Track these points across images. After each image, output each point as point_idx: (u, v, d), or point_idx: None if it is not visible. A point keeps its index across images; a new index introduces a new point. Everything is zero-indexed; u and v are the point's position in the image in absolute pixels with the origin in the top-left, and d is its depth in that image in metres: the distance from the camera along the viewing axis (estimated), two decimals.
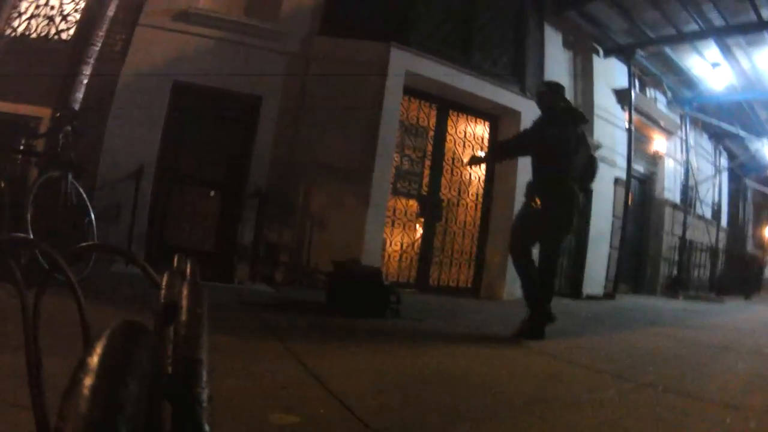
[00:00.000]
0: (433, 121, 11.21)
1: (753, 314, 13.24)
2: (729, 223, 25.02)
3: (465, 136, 11.65)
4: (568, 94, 14.28)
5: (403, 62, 10.12)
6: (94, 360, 0.65)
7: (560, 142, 7.09)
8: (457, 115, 11.56)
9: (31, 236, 5.71)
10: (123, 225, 8.91)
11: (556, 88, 7.72)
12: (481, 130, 11.87)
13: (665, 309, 12.87)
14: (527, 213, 7.16)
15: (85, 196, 7.05)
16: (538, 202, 6.98)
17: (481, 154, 10.28)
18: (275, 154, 9.77)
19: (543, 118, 7.51)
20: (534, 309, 6.83)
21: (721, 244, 22.79)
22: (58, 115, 7.35)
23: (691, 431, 3.50)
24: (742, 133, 20.79)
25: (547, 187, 7.05)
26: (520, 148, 7.95)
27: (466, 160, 10.11)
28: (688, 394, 4.42)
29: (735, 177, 25.69)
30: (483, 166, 11.42)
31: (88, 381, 0.61)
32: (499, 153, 8.87)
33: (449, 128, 11.49)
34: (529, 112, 11.46)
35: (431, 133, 11.16)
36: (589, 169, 7.46)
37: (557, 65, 13.58)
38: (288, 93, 9.88)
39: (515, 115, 11.48)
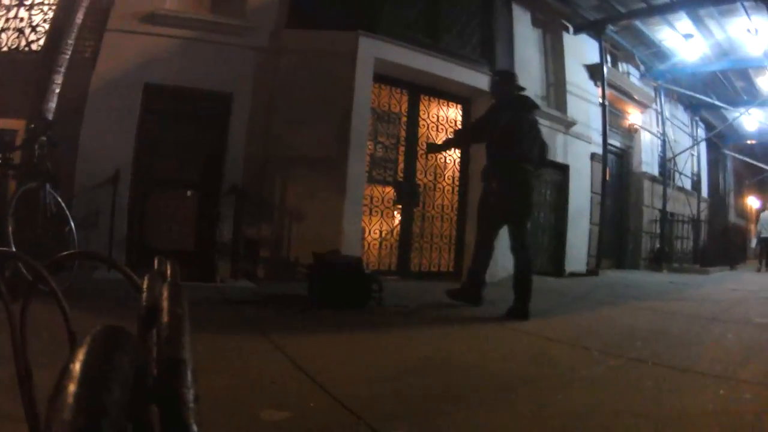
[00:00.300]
0: (404, 106, 11.21)
1: (739, 284, 13.23)
2: (710, 193, 25.11)
3: (438, 119, 11.65)
4: (540, 72, 14.46)
5: (371, 50, 10.12)
6: (77, 366, 0.65)
7: (514, 127, 7.51)
8: (429, 100, 11.57)
9: (13, 249, 5.73)
10: (103, 231, 8.86)
11: (509, 77, 8.31)
12: (453, 113, 11.89)
13: (649, 283, 12.93)
14: (487, 198, 7.58)
15: (63, 205, 7.03)
16: (495, 186, 7.43)
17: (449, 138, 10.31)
18: (249, 149, 9.74)
19: (496, 105, 8.00)
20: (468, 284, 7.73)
21: (703, 215, 22.85)
22: (32, 126, 7.29)
23: (685, 405, 3.47)
24: (718, 103, 20.86)
25: (503, 172, 7.49)
26: (477, 134, 8.26)
27: (425, 148, 10.30)
28: (678, 368, 4.43)
29: (714, 147, 25.81)
30: (457, 151, 11.48)
31: (71, 388, 0.61)
32: (455, 141, 9.35)
33: (421, 113, 11.48)
34: None
35: (404, 119, 11.17)
36: (540, 153, 7.82)
37: (527, 44, 13.61)
38: (259, 88, 9.85)
39: (487, 96, 11.35)
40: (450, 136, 9.53)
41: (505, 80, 8.18)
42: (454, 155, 11.73)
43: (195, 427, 0.68)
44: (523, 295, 7.11)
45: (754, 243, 25.17)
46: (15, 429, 2.29)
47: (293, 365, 4.05)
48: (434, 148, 9.62)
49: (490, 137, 7.67)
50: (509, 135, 7.47)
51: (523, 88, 8.22)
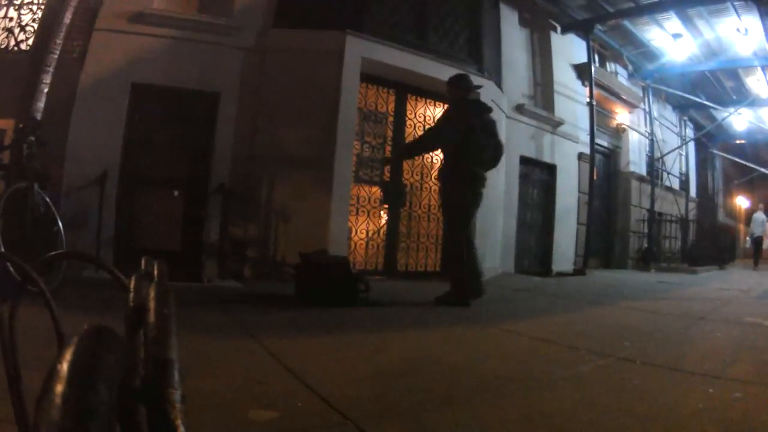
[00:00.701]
0: (391, 106, 11.19)
1: (728, 283, 13.18)
2: (698, 193, 25.20)
3: (425, 119, 11.61)
4: (528, 72, 14.51)
5: (358, 49, 10.11)
6: (64, 367, 0.66)
7: (470, 132, 7.92)
8: (416, 99, 11.55)
9: (2, 249, 5.75)
10: (91, 231, 8.82)
11: (463, 82, 8.42)
12: (440, 112, 11.77)
13: (637, 282, 12.92)
14: (453, 198, 8.00)
15: (52, 205, 7.04)
16: (451, 188, 7.97)
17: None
18: (236, 149, 9.72)
19: (451, 110, 8.41)
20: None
21: (692, 215, 22.92)
22: (21, 126, 7.28)
23: (674, 403, 3.43)
24: (707, 102, 20.91)
25: (460, 175, 7.93)
26: (430, 143, 8.62)
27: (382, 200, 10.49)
28: (667, 367, 4.41)
29: (702, 147, 25.90)
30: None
31: (58, 388, 0.61)
32: (407, 152, 9.52)
33: (408, 113, 11.47)
34: (487, 92, 11.55)
35: (390, 119, 11.16)
36: (495, 154, 8.34)
37: (514, 44, 13.68)
38: (246, 87, 9.84)
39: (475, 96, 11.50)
40: (408, 145, 9.54)
41: (459, 84, 8.40)
42: (440, 155, 11.72)
43: (182, 428, 0.70)
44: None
45: (748, 243, 25.23)
46: (5, 431, 2.32)
47: (280, 365, 4.03)
48: (386, 162, 9.79)
49: (450, 143, 8.03)
50: (466, 140, 7.89)
51: (478, 90, 8.85)
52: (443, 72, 10.80)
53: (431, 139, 8.44)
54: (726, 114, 21.81)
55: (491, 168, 8.46)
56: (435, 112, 11.71)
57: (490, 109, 8.60)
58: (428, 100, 11.72)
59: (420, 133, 11.19)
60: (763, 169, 26.01)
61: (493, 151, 8.26)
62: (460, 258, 7.88)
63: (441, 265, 11.55)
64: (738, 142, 26.88)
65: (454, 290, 7.81)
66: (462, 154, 7.92)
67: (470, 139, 7.90)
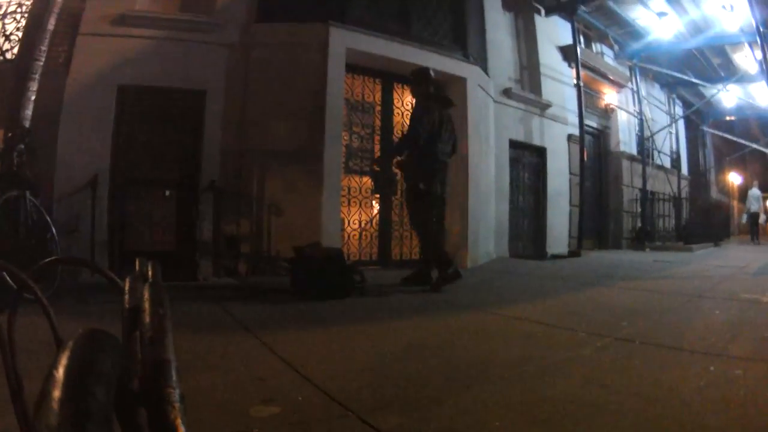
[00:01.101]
0: (378, 96, 11.21)
1: (724, 260, 13.18)
2: (690, 171, 25.24)
3: (412, 107, 11.54)
4: (513, 56, 14.51)
5: (342, 40, 10.09)
6: (60, 372, 0.66)
7: (436, 126, 8.37)
8: (403, 88, 11.49)
9: None
10: (84, 235, 8.84)
11: (422, 78, 8.85)
12: None
13: (633, 262, 12.93)
14: (419, 191, 8.39)
15: (44, 212, 7.05)
16: (421, 180, 8.34)
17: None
18: (225, 146, 9.69)
19: (420, 108, 8.69)
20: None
21: (684, 193, 22.93)
22: (10, 134, 7.28)
23: (676, 382, 3.44)
24: (695, 80, 20.92)
25: (428, 167, 8.34)
26: (412, 142, 8.58)
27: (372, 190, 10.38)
28: (667, 346, 4.43)
29: (692, 125, 25.91)
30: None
31: (55, 393, 0.61)
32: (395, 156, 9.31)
33: (395, 101, 11.48)
34: (474, 77, 11.59)
35: (378, 108, 11.16)
36: (454, 144, 8.87)
37: (498, 28, 13.69)
38: (232, 84, 9.81)
39: (460, 81, 11.53)
40: (394, 150, 9.54)
41: (425, 80, 8.80)
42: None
43: (182, 427, 0.69)
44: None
45: (744, 219, 25.24)
46: None
47: (279, 360, 4.05)
48: (383, 186, 9.56)
49: (419, 138, 8.33)
50: (434, 134, 8.34)
51: (439, 86, 9.16)
52: (429, 59, 10.82)
53: (412, 139, 8.49)
54: (714, 91, 21.79)
55: (449, 158, 8.81)
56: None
57: (452, 104, 9.02)
58: None
59: (407, 121, 11.23)
60: (754, 145, 26.04)
61: (454, 142, 8.84)
62: (435, 242, 8.51)
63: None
64: (728, 118, 26.91)
65: (424, 270, 8.51)
66: (430, 146, 8.28)
67: (437, 131, 8.36)
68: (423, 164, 8.29)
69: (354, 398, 3.17)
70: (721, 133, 27.02)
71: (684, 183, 23.35)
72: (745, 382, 3.42)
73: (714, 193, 29.22)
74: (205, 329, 5.14)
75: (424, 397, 3.24)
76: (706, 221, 21.85)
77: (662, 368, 3.80)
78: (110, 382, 0.70)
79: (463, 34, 12.12)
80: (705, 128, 27.39)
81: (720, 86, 21.33)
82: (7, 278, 4.78)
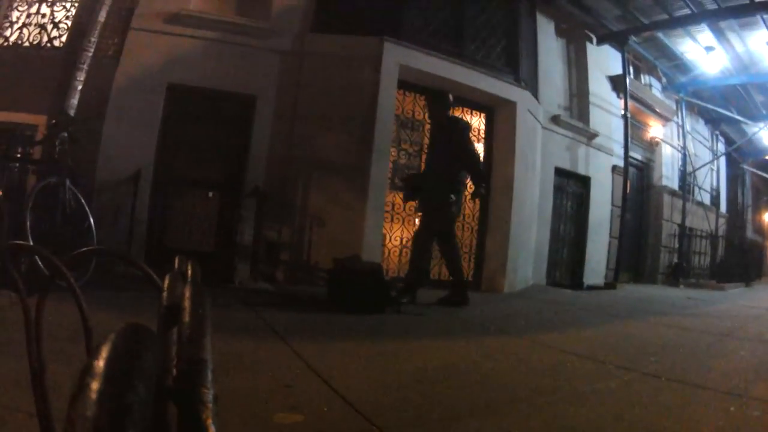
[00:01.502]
0: (428, 114, 11.08)
1: (754, 301, 13.08)
2: (728, 208, 25.07)
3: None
4: (563, 83, 14.45)
5: (396, 56, 10.08)
6: (101, 364, 0.64)
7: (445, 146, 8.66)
8: (452, 108, 11.41)
9: (31, 243, 5.73)
10: (122, 228, 8.91)
11: (441, 100, 9.12)
12: (477, 121, 11.83)
13: (666, 297, 12.79)
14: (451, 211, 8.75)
15: (83, 201, 7.07)
16: (454, 200, 8.63)
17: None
18: (272, 152, 9.74)
19: (465, 131, 9.02)
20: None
21: (721, 231, 22.78)
22: (53, 122, 7.33)
23: (696, 420, 3.47)
24: (738, 117, 20.80)
25: (461, 187, 8.88)
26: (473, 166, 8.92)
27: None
28: (691, 383, 4.41)
29: (733, 162, 25.75)
30: None
31: (95, 385, 0.59)
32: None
33: None
34: (524, 102, 11.53)
35: (427, 127, 11.01)
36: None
37: (550, 54, 13.63)
38: (282, 91, 9.85)
39: (510, 105, 11.49)
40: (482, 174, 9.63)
41: (437, 104, 9.14)
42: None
43: (213, 428, 0.67)
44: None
45: None
46: (27, 423, 2.31)
47: (309, 369, 4.06)
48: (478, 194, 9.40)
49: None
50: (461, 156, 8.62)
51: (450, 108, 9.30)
52: (480, 81, 10.82)
53: (477, 162, 9.00)
54: (756, 129, 21.64)
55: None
56: (471, 120, 11.65)
57: (467, 125, 9.51)
58: (465, 109, 11.66)
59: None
60: None
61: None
62: (459, 261, 8.86)
63: (473, 274, 11.51)
64: (767, 157, 26.81)
65: (457, 291, 8.57)
66: (462, 169, 8.65)
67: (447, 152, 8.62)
68: (458, 185, 8.67)
69: (380, 413, 3.19)
70: (760, 173, 26.83)
71: (721, 221, 23.18)
72: (761, 422, 3.47)
73: (749, 233, 29.02)
74: (238, 332, 5.15)
75: (450, 419, 3.27)
76: (740, 260, 21.68)
77: (685, 405, 3.83)
78: (151, 379, 0.69)
79: (515, 58, 12.06)
80: (745, 166, 27.22)
81: (761, 124, 21.17)
82: (41, 264, 4.77)
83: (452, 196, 8.44)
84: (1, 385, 2.77)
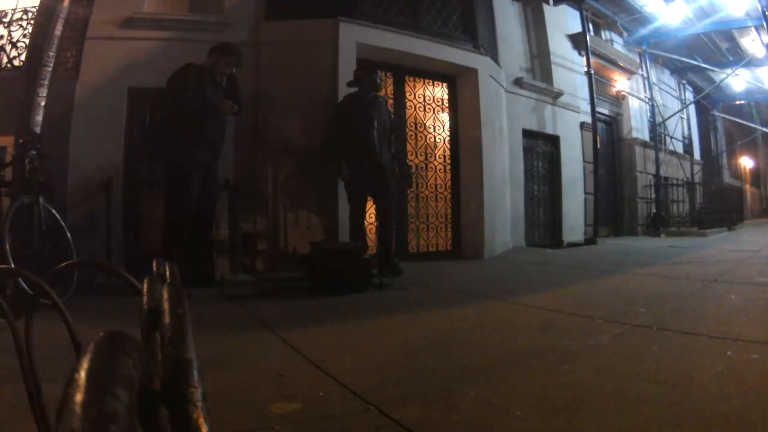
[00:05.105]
0: (390, 89, 11.14)
1: (738, 245, 13.06)
2: (702, 155, 25.18)
3: (424, 99, 11.63)
4: (523, 45, 14.52)
5: (352, 35, 10.06)
6: (81, 375, 0.65)
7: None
8: (414, 81, 11.51)
9: (12, 265, 5.74)
10: (100, 238, 8.89)
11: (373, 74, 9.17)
12: (440, 91, 11.85)
13: (649, 248, 12.89)
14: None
15: (58, 216, 7.06)
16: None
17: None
18: (238, 144, 9.68)
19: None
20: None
21: (697, 178, 22.89)
22: (21, 141, 7.29)
23: (694, 368, 3.42)
24: (704, 65, 20.89)
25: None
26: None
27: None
28: (684, 331, 4.42)
29: (703, 110, 25.88)
30: (446, 129, 11.56)
31: (77, 397, 0.61)
32: None
33: (407, 94, 11.44)
34: (485, 68, 11.55)
35: (390, 101, 11.02)
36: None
37: (508, 18, 13.67)
38: (242, 82, 9.80)
39: (471, 72, 11.51)
40: None
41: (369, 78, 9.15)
42: (443, 134, 11.76)
43: (205, 426, 0.69)
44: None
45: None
46: None
47: (299, 356, 4.05)
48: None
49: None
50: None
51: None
52: (439, 51, 10.84)
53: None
54: (723, 75, 21.71)
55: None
56: (434, 92, 11.70)
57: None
58: (426, 81, 11.70)
59: (420, 114, 11.24)
60: (765, 129, 25.99)
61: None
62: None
63: (452, 243, 11.57)
64: (738, 102, 26.88)
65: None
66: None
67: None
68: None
69: (375, 392, 3.18)
70: (731, 118, 26.95)
71: (697, 168, 23.28)
72: (761, 366, 3.43)
73: (727, 178, 29.16)
74: (224, 327, 5.15)
75: (445, 389, 3.25)
76: (719, 206, 21.79)
77: (680, 354, 3.80)
78: (133, 384, 0.69)
79: (472, 26, 12.05)
80: (716, 113, 27.35)
81: (728, 71, 21.24)
82: (24, 285, 4.79)
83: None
84: (1, 410, 2.80)
